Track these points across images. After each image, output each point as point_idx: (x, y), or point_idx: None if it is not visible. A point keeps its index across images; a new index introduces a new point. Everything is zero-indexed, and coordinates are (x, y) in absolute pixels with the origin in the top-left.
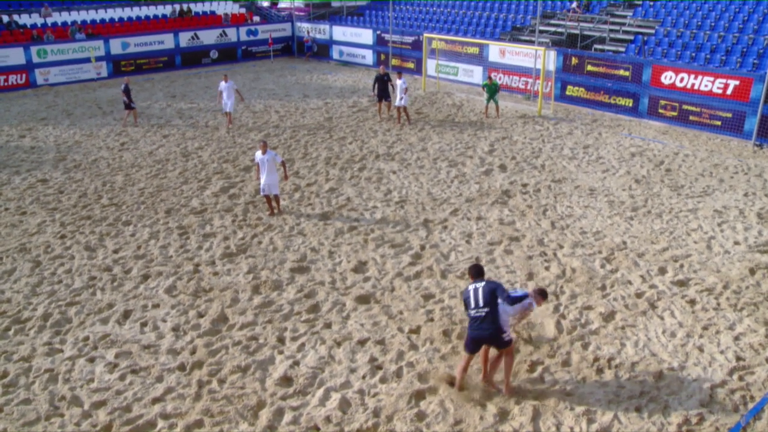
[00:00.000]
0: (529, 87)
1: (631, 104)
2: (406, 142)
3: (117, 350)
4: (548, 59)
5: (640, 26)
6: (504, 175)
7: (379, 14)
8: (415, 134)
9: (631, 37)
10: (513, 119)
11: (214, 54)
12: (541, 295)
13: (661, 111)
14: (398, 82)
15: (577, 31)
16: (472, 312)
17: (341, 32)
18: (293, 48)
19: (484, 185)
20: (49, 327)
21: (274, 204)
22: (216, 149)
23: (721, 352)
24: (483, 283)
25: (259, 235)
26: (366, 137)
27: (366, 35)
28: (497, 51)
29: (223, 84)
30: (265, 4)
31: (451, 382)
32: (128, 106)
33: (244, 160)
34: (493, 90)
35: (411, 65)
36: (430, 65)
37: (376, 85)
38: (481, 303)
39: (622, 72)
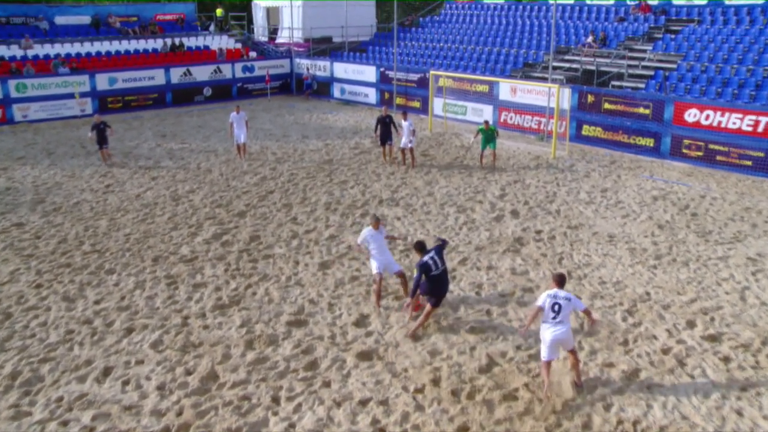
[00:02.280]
0: (542, 127)
1: (652, 144)
2: (412, 187)
3: (94, 412)
4: (562, 97)
5: (660, 61)
6: (516, 222)
7: (383, 50)
8: (421, 178)
9: (652, 73)
10: (525, 161)
11: (207, 91)
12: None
13: (685, 151)
14: (404, 124)
15: (593, 67)
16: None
17: (343, 69)
18: (292, 86)
19: (494, 232)
20: (18, 387)
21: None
22: (208, 193)
23: (765, 417)
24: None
25: (253, 286)
26: (369, 181)
27: (369, 72)
28: (508, 89)
29: (234, 115)
30: (263, 39)
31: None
32: (100, 143)
33: (238, 205)
34: (489, 136)
35: (416, 104)
36: (437, 104)
37: (379, 127)
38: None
39: (642, 110)
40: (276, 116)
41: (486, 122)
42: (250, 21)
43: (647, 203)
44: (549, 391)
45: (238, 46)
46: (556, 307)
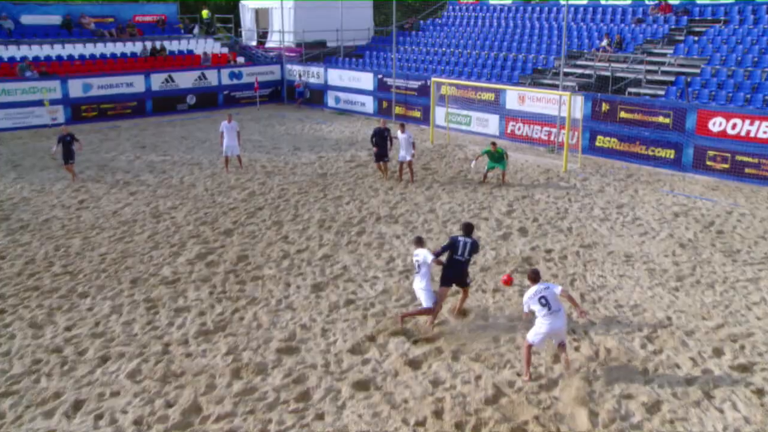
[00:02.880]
0: (552, 138)
1: (672, 156)
2: (412, 203)
3: None
4: (575, 105)
5: (682, 65)
6: (524, 240)
7: (381, 56)
8: (422, 193)
9: (672, 78)
10: (534, 175)
11: (191, 99)
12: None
13: (709, 163)
14: (402, 136)
15: (608, 73)
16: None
17: (337, 76)
18: (283, 94)
19: (501, 252)
20: None
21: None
22: (192, 209)
23: None
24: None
25: (240, 310)
26: (365, 197)
27: (366, 79)
28: (516, 97)
29: (225, 124)
30: (252, 43)
31: None
32: (66, 158)
33: (224, 222)
34: (497, 158)
35: (417, 114)
36: (439, 114)
37: (375, 140)
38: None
39: (661, 119)
40: (265, 126)
41: (493, 143)
42: (238, 24)
43: (667, 220)
44: (528, 375)
45: (225, 50)
46: (543, 300)
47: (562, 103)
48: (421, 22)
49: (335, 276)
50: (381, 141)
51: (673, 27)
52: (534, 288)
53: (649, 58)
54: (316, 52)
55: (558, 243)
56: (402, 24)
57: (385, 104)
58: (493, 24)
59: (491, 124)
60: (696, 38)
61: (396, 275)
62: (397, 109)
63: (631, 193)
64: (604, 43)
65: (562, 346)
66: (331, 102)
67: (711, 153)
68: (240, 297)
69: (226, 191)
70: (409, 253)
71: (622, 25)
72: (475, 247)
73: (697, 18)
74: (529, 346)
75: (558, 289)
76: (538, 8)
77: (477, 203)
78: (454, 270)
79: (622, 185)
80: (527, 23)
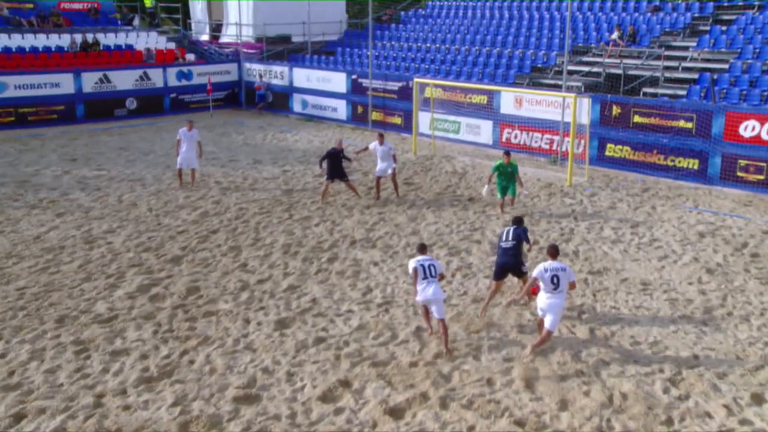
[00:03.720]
0: (555, 147)
1: (696, 166)
2: (392, 224)
3: None
4: (580, 109)
5: (707, 60)
6: (524, 266)
7: (355, 53)
8: (404, 212)
9: (695, 76)
10: (535, 191)
11: (131, 103)
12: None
13: (740, 174)
14: (380, 148)
15: (619, 71)
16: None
17: (305, 76)
18: (241, 97)
19: None
20: None
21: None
22: (133, 233)
23: None
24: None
25: (190, 352)
26: (338, 217)
27: (338, 80)
28: (512, 100)
29: (184, 132)
30: (203, 37)
31: None
32: None
33: (172, 248)
34: (510, 174)
35: (397, 120)
36: (423, 120)
37: (326, 162)
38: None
39: (682, 123)
40: (221, 135)
41: (506, 153)
42: (187, 14)
43: (691, 241)
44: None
45: (172, 46)
46: (555, 279)
47: (566, 107)
48: (402, 13)
49: (303, 310)
50: (334, 163)
51: (696, 15)
52: (549, 262)
53: (668, 53)
54: (279, 48)
55: None
56: (380, 16)
57: (360, 109)
58: (485, 15)
59: (484, 131)
60: (724, 28)
61: (374, 308)
62: (374, 115)
63: (648, 210)
64: (615, 35)
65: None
66: (297, 107)
67: (742, 162)
68: (190, 336)
69: (174, 211)
70: (389, 282)
71: (636, 14)
72: (519, 234)
73: (725, 4)
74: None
75: (573, 278)
76: None
77: (468, 223)
78: (501, 255)
79: (637, 201)
80: (525, 14)
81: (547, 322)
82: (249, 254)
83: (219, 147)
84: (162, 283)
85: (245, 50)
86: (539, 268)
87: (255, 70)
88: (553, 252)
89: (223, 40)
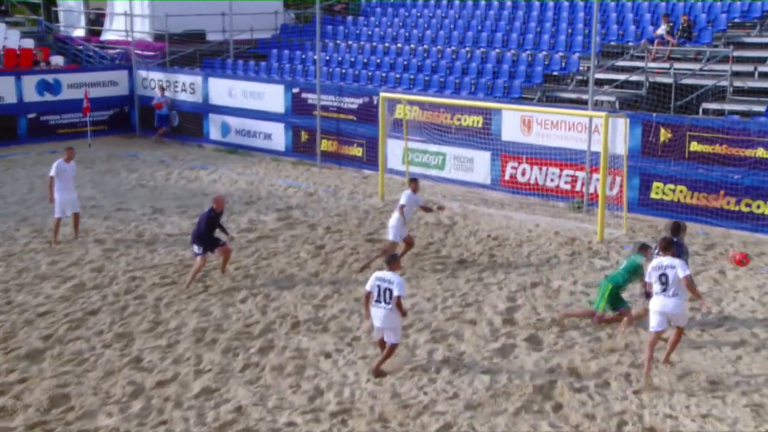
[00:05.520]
0: (579, 187)
1: None
2: (350, 297)
3: None
4: (615, 134)
5: None
6: (538, 357)
7: (297, 56)
8: (366, 279)
9: None
10: (551, 247)
11: None
12: None
13: None
14: (413, 199)
15: (669, 79)
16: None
17: (226, 90)
18: (133, 118)
19: (499, 377)
20: None
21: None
22: None
23: None
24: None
25: None
26: (274, 288)
27: (273, 95)
28: (517, 122)
29: (60, 165)
30: (77, 33)
31: None
32: None
33: (28, 339)
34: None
35: (356, 151)
36: (394, 150)
37: (203, 225)
38: None
39: (761, 152)
40: (104, 174)
41: (645, 249)
42: (53, 1)
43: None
44: (648, 369)
45: (29, 44)
46: (663, 278)
47: (593, 131)
48: (363, 2)
49: (223, 424)
50: (211, 227)
51: None
52: (659, 260)
53: (738, 53)
54: (189, 50)
55: (594, 360)
56: (331, 4)
57: (304, 136)
58: (480, 4)
59: (479, 166)
60: None
61: (326, 420)
62: (325, 144)
63: (715, 276)
64: (662, 29)
65: (679, 330)
66: (215, 133)
67: None
68: None
69: (34, 284)
70: (346, 380)
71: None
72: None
73: None
74: (655, 336)
75: (681, 275)
76: None
77: (458, 296)
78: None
79: (698, 262)
80: (535, 1)
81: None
82: (144, 344)
83: (101, 190)
84: (11, 390)
85: (140, 52)
86: (648, 268)
87: (154, 80)
88: (665, 246)
89: (107, 37)
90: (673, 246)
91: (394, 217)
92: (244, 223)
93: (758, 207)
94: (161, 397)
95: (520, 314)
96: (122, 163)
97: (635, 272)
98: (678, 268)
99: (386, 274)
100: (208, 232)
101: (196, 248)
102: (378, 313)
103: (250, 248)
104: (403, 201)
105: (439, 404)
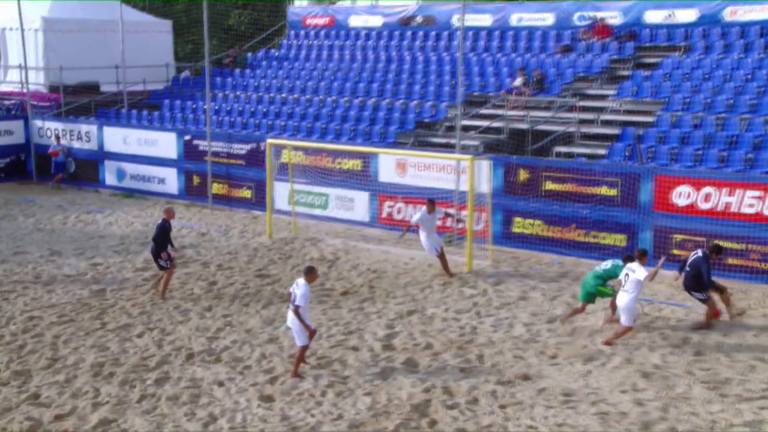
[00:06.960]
0: (449, 223)
1: (624, 243)
2: (241, 329)
3: None
4: (479, 174)
5: (629, 112)
6: (414, 379)
7: (188, 106)
8: (257, 313)
9: (618, 131)
10: (425, 278)
11: None
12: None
13: (676, 252)
14: (428, 219)
15: (525, 125)
16: None
17: (120, 138)
18: (30, 166)
19: (380, 397)
20: None
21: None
22: None
23: None
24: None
25: None
26: (169, 322)
27: (166, 143)
28: (393, 164)
29: None
30: None
31: None
32: None
33: None
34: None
35: (246, 193)
36: (281, 192)
37: (159, 233)
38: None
39: (605, 190)
40: (1, 219)
41: (628, 258)
42: None
43: (625, 338)
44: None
45: None
46: (626, 277)
47: (461, 172)
48: (249, 54)
49: None
50: (165, 237)
51: (614, 57)
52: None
53: (583, 103)
54: (83, 100)
55: (464, 379)
56: (220, 58)
57: (196, 180)
58: (356, 56)
59: (358, 205)
60: (647, 73)
61: None
62: (216, 187)
63: (569, 300)
64: (519, 81)
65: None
66: (110, 179)
67: (677, 237)
68: None
69: None
70: (238, 406)
71: (543, 55)
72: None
73: (646, 44)
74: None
75: (642, 276)
76: (420, 33)
77: (342, 325)
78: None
79: (554, 288)
80: (405, 55)
81: None
82: (42, 380)
83: None
84: None
85: (35, 102)
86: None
87: (50, 129)
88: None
89: (2, 88)
90: (644, 253)
91: (422, 237)
92: (140, 262)
93: (604, 238)
94: (59, 430)
95: (398, 340)
96: (19, 209)
97: (614, 274)
98: (636, 272)
99: (300, 281)
100: (163, 240)
101: (162, 262)
102: (288, 314)
103: (146, 286)
104: (413, 220)
105: (325, 425)
